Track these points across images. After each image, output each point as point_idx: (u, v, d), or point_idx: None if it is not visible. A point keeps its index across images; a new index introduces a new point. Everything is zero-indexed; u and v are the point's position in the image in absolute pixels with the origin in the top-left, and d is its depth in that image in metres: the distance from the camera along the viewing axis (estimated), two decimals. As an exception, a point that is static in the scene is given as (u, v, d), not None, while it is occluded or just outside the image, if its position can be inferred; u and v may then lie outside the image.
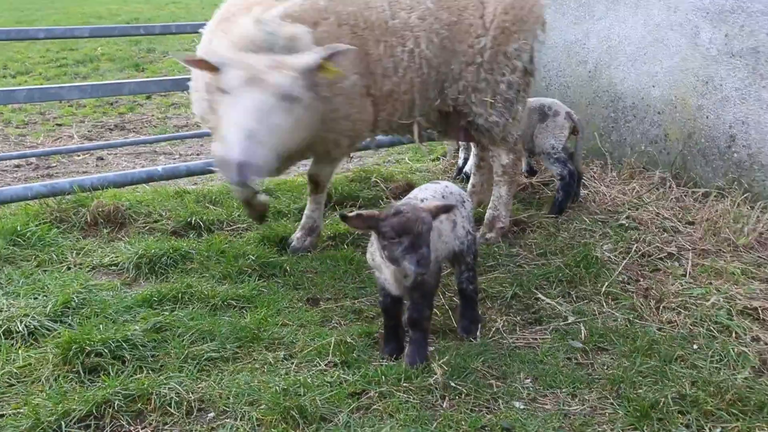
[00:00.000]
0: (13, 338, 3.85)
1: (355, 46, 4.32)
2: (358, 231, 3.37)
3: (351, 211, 3.31)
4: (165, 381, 3.41)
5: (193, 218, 5.37)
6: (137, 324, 3.93)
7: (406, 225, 3.14)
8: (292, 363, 3.65)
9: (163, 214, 5.48)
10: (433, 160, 7.45)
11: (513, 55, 4.94)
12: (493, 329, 4.05)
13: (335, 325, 4.12)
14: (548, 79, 7.44)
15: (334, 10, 4.47)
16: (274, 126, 3.76)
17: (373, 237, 3.48)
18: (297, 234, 5.05)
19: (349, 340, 3.84)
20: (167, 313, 4.06)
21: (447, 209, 3.41)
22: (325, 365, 3.62)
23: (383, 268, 3.47)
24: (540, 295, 4.45)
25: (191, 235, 5.24)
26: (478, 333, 3.94)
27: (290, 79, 3.82)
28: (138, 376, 3.48)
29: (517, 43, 4.94)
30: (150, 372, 3.53)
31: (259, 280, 4.60)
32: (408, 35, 4.65)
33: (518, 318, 4.23)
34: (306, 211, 5.07)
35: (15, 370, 3.56)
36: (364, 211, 3.26)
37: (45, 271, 4.60)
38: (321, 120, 4.29)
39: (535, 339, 3.99)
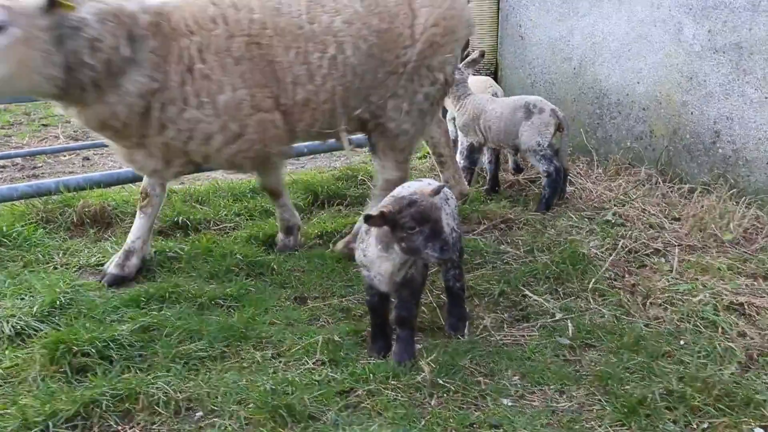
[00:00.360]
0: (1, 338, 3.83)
1: (249, 61, 4.15)
2: (370, 227, 3.31)
3: (372, 211, 3.29)
4: (153, 380, 3.39)
5: (180, 218, 5.36)
6: (125, 324, 3.90)
7: (425, 213, 3.17)
8: (280, 362, 3.65)
9: (150, 213, 5.45)
10: (420, 158, 7.45)
11: (437, 68, 4.67)
12: (481, 326, 4.06)
13: (323, 323, 4.12)
14: (533, 76, 7.46)
15: (224, 18, 4.18)
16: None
17: (365, 233, 3.49)
18: (279, 236, 5.05)
19: (336, 338, 3.84)
20: (155, 313, 4.04)
21: (439, 190, 3.48)
22: (313, 364, 3.61)
23: (375, 265, 3.47)
24: (527, 292, 4.46)
25: (178, 235, 5.23)
26: (465, 330, 3.95)
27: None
28: (126, 375, 3.46)
29: (443, 56, 4.67)
30: (138, 372, 3.51)
31: (246, 279, 4.60)
32: (329, 40, 4.32)
33: (506, 315, 4.24)
34: (276, 214, 5.08)
35: (1, 371, 3.54)
36: (383, 208, 3.25)
37: (31, 271, 4.57)
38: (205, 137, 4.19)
39: (523, 336, 4.01)
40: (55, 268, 4.66)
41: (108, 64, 3.87)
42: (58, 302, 4.13)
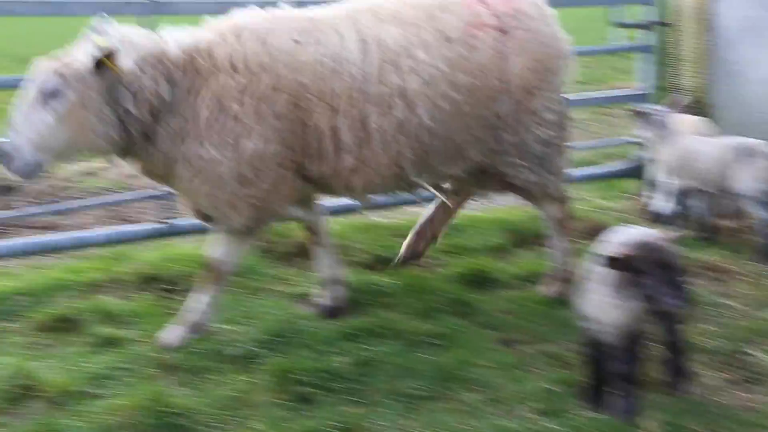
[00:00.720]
0: (225, 362, 4.10)
1: (290, 119, 3.98)
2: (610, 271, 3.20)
3: (618, 254, 3.19)
4: (373, 416, 3.49)
5: (387, 252, 5.50)
6: (342, 356, 4.06)
7: (670, 259, 3.09)
8: (495, 407, 3.63)
9: (357, 246, 5.64)
10: (624, 200, 7.18)
11: (541, 110, 4.40)
12: (703, 386, 3.84)
13: (533, 369, 4.06)
14: (749, 116, 7.01)
15: (275, 72, 3.98)
16: (27, 116, 3.70)
17: (592, 279, 3.40)
18: (316, 291, 4.74)
19: (549, 386, 3.78)
20: (370, 348, 4.16)
21: (677, 237, 3.37)
22: (529, 412, 3.57)
23: (604, 315, 3.36)
24: (750, 351, 4.17)
25: (385, 269, 5.36)
26: (688, 388, 3.75)
27: (52, 76, 3.67)
28: (346, 408, 3.59)
29: (545, 96, 4.41)
30: (358, 405, 3.63)
31: (453, 317, 4.63)
32: (397, 103, 4.04)
33: (729, 375, 3.99)
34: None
35: (231, 394, 3.77)
36: (630, 252, 3.15)
37: (252, 298, 4.86)
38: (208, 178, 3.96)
39: (754, 399, 3.74)
40: (274, 296, 4.92)
41: (152, 111, 3.86)
42: (277, 330, 4.36)
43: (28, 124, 3.65)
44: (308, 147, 4.06)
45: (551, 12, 4.55)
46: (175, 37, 3.98)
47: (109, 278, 5.11)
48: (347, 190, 4.28)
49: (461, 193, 5.10)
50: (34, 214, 6.66)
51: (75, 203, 6.82)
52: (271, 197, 4.06)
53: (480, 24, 4.27)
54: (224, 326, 4.43)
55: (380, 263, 5.44)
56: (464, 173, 4.46)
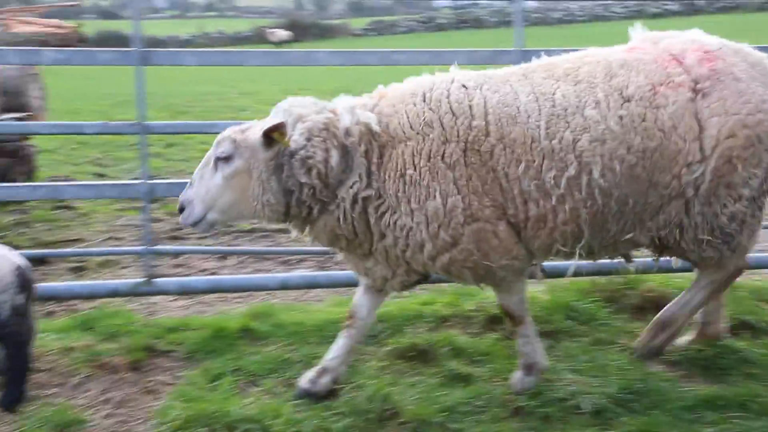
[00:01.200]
0: (573, 413, 3.96)
1: (464, 168, 3.84)
2: None
3: None
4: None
5: (751, 317, 4.99)
6: (704, 426, 3.73)
7: None
8: None
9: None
10: None
11: (739, 184, 3.95)
12: None
13: None
14: None
15: (440, 124, 3.90)
16: (207, 181, 3.96)
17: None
18: (516, 374, 4.30)
19: None
20: (736, 421, 3.77)
21: None
22: None
23: None
24: None
25: (746, 335, 4.86)
26: None
27: (227, 143, 3.93)
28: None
29: (748, 170, 3.93)
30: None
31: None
32: (570, 159, 3.83)
33: None
34: (517, 346, 4.35)
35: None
36: None
37: (600, 349, 4.68)
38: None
39: None
40: (622, 350, 4.69)
41: (323, 177, 3.89)
42: (630, 386, 4.14)
43: (201, 182, 3.97)
44: (501, 191, 3.91)
45: (764, 69, 4.08)
46: (348, 106, 4.05)
47: (455, 313, 5.27)
48: (539, 249, 4.03)
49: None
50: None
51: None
52: (480, 256, 3.91)
53: (669, 82, 3.95)
54: (572, 376, 4.30)
55: (743, 328, 4.94)
56: (647, 243, 4.16)
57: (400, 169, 3.89)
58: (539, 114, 3.88)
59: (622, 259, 4.46)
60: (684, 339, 4.66)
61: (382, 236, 3.98)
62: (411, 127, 3.93)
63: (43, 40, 6.84)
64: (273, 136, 3.83)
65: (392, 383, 4.28)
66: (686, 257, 4.27)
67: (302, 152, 3.85)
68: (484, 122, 3.86)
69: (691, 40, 4.13)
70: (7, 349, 4.10)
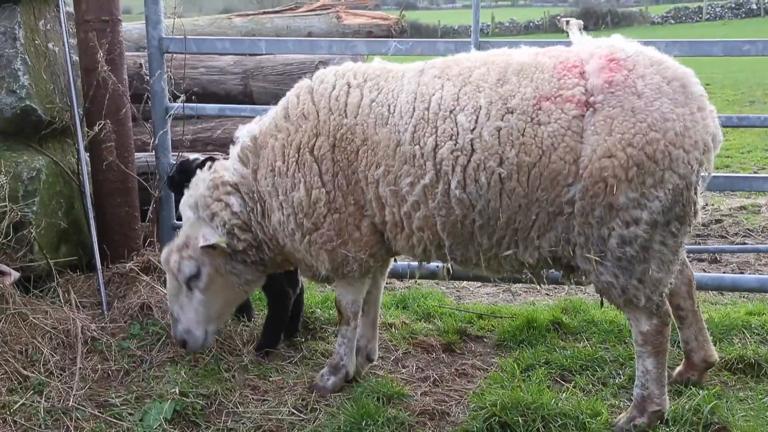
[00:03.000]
0: None
1: (332, 163, 3.91)
2: None
3: None
4: None
5: None
6: None
7: None
8: None
9: None
10: None
11: (627, 206, 3.52)
12: None
13: None
14: None
15: (316, 117, 3.95)
16: (184, 304, 4.21)
17: None
18: (323, 371, 4.39)
19: None
20: None
21: None
22: None
23: None
24: None
25: None
26: None
27: (178, 265, 4.13)
28: None
29: (636, 192, 3.49)
30: None
31: None
32: (428, 167, 3.70)
33: None
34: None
35: None
36: None
37: None
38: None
39: None
40: None
41: (243, 228, 4.17)
42: None
43: (185, 311, 4.21)
44: (361, 192, 3.94)
45: (682, 87, 3.56)
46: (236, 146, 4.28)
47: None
48: (402, 250, 4.06)
49: (677, 299, 4.24)
50: (695, 250, 6.74)
51: (734, 246, 6.71)
52: (339, 242, 4.00)
53: (556, 96, 3.58)
54: None
55: None
56: (534, 262, 3.82)
57: (270, 163, 4.03)
58: (411, 116, 3.77)
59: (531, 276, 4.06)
60: (675, 373, 4.29)
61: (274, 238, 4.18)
62: (286, 117, 4.03)
63: (369, 31, 7.30)
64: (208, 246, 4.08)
65: (719, 396, 4.00)
66: (590, 281, 3.83)
67: (223, 229, 4.10)
68: (353, 122, 3.87)
69: (608, 46, 3.69)
70: (270, 299, 4.76)
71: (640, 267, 3.60)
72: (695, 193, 3.61)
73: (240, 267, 4.21)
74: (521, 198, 3.63)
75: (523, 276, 4.03)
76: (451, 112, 3.70)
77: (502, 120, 3.62)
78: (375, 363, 4.61)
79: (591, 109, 3.54)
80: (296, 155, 3.96)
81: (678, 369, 4.32)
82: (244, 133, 4.21)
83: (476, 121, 3.65)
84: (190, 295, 4.17)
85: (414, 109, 3.77)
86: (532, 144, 3.57)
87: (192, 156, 4.92)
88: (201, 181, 4.20)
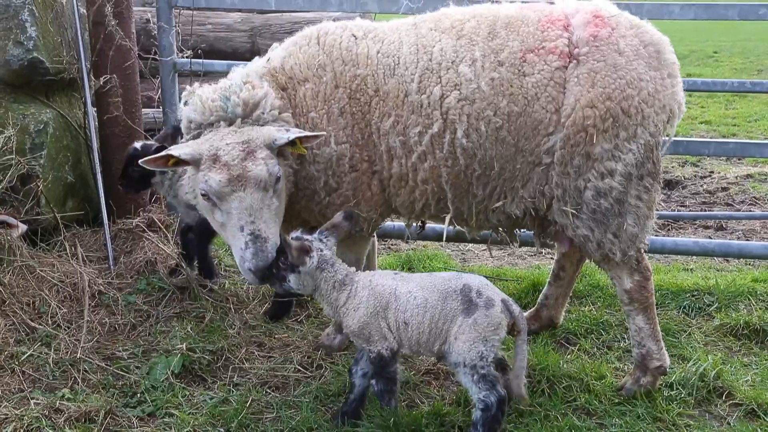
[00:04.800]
0: None
1: (351, 113, 3.81)
2: None
3: None
4: None
5: None
6: None
7: None
8: None
9: None
10: None
11: (602, 157, 3.67)
12: None
13: None
14: None
15: (333, 69, 3.83)
16: (269, 217, 3.56)
17: None
18: (328, 329, 4.38)
19: None
20: None
21: None
22: None
23: None
24: None
25: None
26: None
27: (267, 167, 3.50)
28: None
29: (610, 143, 3.65)
30: None
31: None
32: (436, 116, 3.73)
33: None
34: None
35: None
36: None
37: None
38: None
39: None
40: None
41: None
42: None
43: (270, 225, 3.54)
44: (373, 146, 3.87)
45: (657, 53, 3.70)
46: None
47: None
48: (402, 206, 3.99)
49: (566, 261, 4.43)
50: (701, 216, 6.74)
51: (741, 213, 6.69)
52: (361, 205, 3.92)
53: (539, 49, 3.70)
54: None
55: None
56: (521, 214, 3.88)
57: (305, 113, 3.86)
58: (416, 67, 3.80)
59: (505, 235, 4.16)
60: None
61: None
62: (307, 67, 3.88)
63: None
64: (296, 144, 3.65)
65: (724, 361, 4.02)
66: (566, 236, 3.88)
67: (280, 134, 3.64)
68: (365, 72, 3.83)
69: (590, 3, 3.83)
70: None
71: (615, 220, 3.72)
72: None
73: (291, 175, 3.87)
74: (511, 147, 3.75)
75: (498, 234, 4.15)
76: (452, 62, 3.76)
77: (495, 71, 3.72)
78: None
79: (575, 61, 3.68)
80: (325, 107, 3.83)
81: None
82: (261, 70, 3.91)
83: (475, 73, 3.73)
84: (271, 204, 3.60)
85: (418, 60, 3.79)
86: (519, 94, 3.70)
87: (137, 144, 4.53)
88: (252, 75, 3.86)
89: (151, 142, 4.55)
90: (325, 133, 3.74)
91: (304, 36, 4.01)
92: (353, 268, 3.57)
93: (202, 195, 3.55)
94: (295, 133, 3.60)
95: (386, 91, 3.80)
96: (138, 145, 4.47)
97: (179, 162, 3.55)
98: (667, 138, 3.77)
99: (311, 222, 4.05)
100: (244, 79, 3.79)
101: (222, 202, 3.50)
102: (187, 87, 3.93)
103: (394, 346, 3.40)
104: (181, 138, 3.93)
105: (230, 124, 3.64)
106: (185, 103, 3.81)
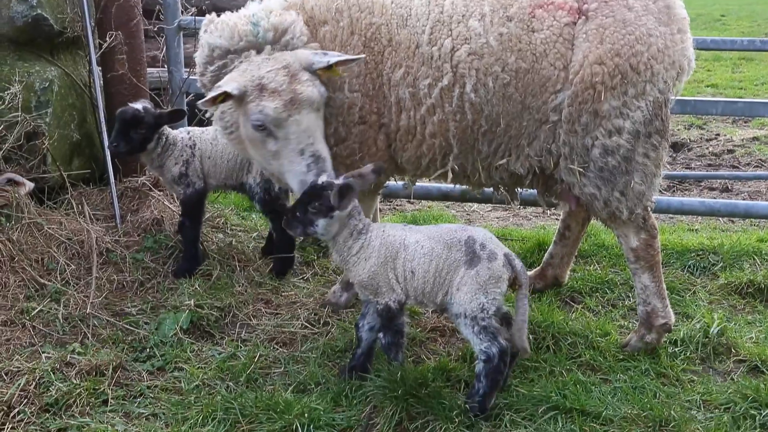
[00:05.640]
0: None
1: (365, 62, 3.73)
2: None
3: None
4: None
5: None
6: None
7: None
8: None
9: None
10: None
11: (610, 114, 3.63)
12: None
13: None
14: None
15: (350, 15, 3.78)
16: (323, 138, 3.59)
17: None
18: (335, 287, 4.39)
19: None
20: None
21: None
22: None
23: None
24: None
25: None
26: None
27: (315, 87, 3.51)
28: None
29: (618, 100, 3.61)
30: None
31: None
32: (446, 69, 3.69)
33: None
34: None
35: None
36: None
37: None
38: None
39: None
40: None
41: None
42: None
43: (324, 149, 3.57)
44: (382, 98, 3.81)
45: (667, 8, 3.66)
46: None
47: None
48: (408, 161, 3.93)
49: (572, 220, 4.44)
50: (707, 176, 6.73)
51: (748, 173, 6.67)
52: (366, 158, 3.84)
53: (549, 4, 3.68)
54: None
55: None
56: (525, 172, 3.87)
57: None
58: (427, 18, 3.76)
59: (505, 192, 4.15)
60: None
61: None
62: (327, 9, 3.81)
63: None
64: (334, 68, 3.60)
65: (728, 318, 4.05)
66: (572, 195, 3.86)
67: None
68: (380, 21, 3.78)
69: None
70: (273, 221, 4.59)
71: (622, 179, 3.70)
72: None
73: None
74: (518, 104, 3.72)
75: (499, 192, 4.15)
76: (463, 16, 3.73)
77: (503, 26, 3.68)
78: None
79: (584, 17, 3.65)
80: (341, 50, 3.75)
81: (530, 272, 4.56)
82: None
83: (484, 27, 3.69)
84: (322, 125, 3.62)
85: (429, 12, 3.76)
86: (527, 51, 3.66)
87: (138, 105, 4.43)
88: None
89: (148, 104, 4.51)
90: (365, 56, 3.69)
91: None
92: (369, 219, 3.57)
93: (257, 127, 3.47)
94: (334, 56, 3.56)
95: (398, 41, 3.76)
96: (139, 106, 4.41)
97: (225, 99, 3.46)
98: (674, 97, 3.73)
99: None
100: (266, 9, 3.71)
101: (279, 129, 3.45)
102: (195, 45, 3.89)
103: (401, 298, 3.41)
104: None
105: (258, 53, 3.60)
106: (205, 32, 3.74)
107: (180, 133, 4.61)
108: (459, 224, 3.56)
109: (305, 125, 3.46)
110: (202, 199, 4.67)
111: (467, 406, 3.27)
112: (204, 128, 4.67)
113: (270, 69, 3.47)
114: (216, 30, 3.69)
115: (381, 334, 3.51)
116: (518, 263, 3.38)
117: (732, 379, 3.60)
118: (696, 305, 4.29)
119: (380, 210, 6.11)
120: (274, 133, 3.47)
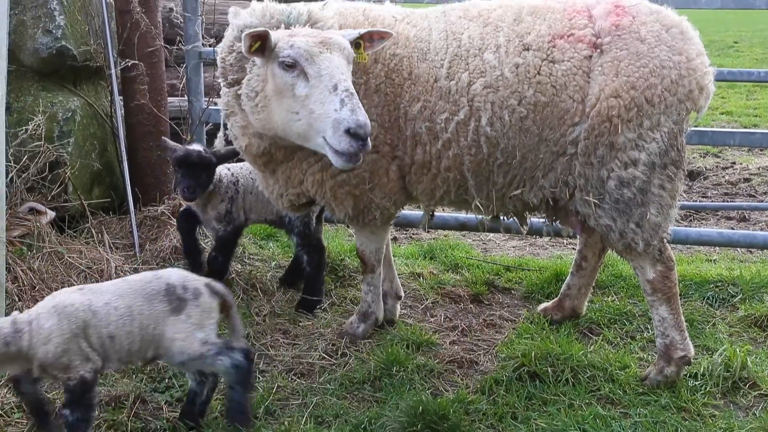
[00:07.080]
0: None
1: (385, 93, 3.80)
2: None
3: None
4: None
5: None
6: None
7: None
8: None
9: None
10: None
11: (625, 146, 3.65)
12: None
13: None
14: None
15: (382, 50, 3.80)
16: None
17: None
18: (352, 317, 4.43)
19: None
20: None
21: None
22: None
23: None
24: None
25: None
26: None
27: (346, 41, 3.51)
28: None
29: (634, 132, 3.63)
30: None
31: None
32: (462, 103, 3.73)
33: None
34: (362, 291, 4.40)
35: None
36: None
37: None
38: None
39: None
40: None
41: None
42: None
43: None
44: (398, 131, 3.85)
45: (681, 34, 3.67)
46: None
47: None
48: (422, 193, 3.99)
49: (588, 251, 4.44)
50: (725, 207, 6.70)
51: (765, 203, 6.64)
52: (370, 187, 3.90)
53: (569, 36, 3.70)
54: None
55: None
56: (538, 202, 3.91)
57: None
58: (445, 53, 3.80)
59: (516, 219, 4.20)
60: (542, 306, 4.62)
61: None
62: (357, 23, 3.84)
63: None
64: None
65: (749, 352, 4.02)
66: (589, 225, 3.88)
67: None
68: (403, 53, 3.83)
69: None
70: (310, 255, 4.61)
71: (637, 210, 3.69)
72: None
73: None
74: (534, 136, 3.74)
75: (510, 218, 4.18)
76: (479, 49, 3.77)
77: (519, 56, 3.71)
78: (404, 311, 4.66)
79: (599, 50, 3.67)
80: (364, 77, 3.79)
81: (545, 305, 4.63)
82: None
83: (498, 59, 3.72)
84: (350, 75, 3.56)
85: (447, 46, 3.80)
86: (548, 83, 3.67)
87: (199, 148, 4.42)
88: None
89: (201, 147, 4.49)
90: (394, 33, 3.72)
91: (350, 5, 4.02)
92: (27, 313, 3.11)
93: (287, 66, 3.39)
94: (364, 29, 3.62)
95: (417, 75, 3.80)
96: (199, 147, 4.40)
97: (261, 47, 3.42)
98: (699, 114, 3.75)
99: (315, 198, 4.02)
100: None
101: (311, 64, 3.36)
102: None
103: (98, 365, 3.13)
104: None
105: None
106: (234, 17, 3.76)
107: (222, 170, 4.58)
108: (149, 272, 3.40)
109: (337, 62, 3.39)
110: (239, 235, 4.73)
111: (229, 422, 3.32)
112: (242, 163, 4.62)
113: (300, 33, 3.51)
114: (246, 12, 3.73)
115: (67, 411, 3.08)
116: (219, 287, 3.37)
117: (754, 414, 3.56)
118: (716, 338, 4.25)
119: (396, 239, 6.14)
120: (306, 70, 3.37)
